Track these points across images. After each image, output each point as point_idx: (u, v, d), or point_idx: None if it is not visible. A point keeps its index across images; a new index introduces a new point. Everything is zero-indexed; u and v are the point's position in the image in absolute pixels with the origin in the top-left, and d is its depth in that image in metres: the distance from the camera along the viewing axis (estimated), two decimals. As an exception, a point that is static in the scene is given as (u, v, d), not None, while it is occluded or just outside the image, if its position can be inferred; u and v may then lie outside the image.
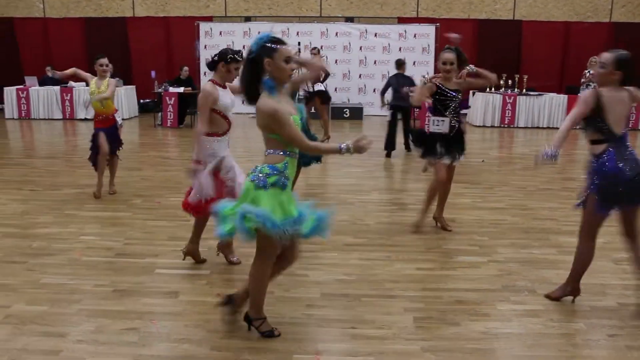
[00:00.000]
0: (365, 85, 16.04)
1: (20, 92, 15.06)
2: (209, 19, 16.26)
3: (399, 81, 9.93)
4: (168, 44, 16.40)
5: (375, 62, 15.96)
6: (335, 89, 15.95)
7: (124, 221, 6.00)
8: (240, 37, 15.43)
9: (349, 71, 16.03)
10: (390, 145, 9.97)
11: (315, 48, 11.90)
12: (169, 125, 13.40)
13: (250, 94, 3.31)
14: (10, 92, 15.11)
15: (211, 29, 15.79)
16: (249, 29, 15.63)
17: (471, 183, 7.78)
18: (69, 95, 14.80)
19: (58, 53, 16.51)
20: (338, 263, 4.82)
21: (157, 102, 14.20)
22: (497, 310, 4.01)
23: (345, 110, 15.38)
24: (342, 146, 3.20)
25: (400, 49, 15.61)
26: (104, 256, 4.98)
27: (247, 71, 3.30)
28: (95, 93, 6.80)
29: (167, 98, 13.43)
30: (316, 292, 4.26)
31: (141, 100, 15.93)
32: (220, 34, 15.70)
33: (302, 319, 3.85)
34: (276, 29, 15.39)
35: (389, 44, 15.82)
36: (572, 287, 4.11)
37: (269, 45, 3.19)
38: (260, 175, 3.24)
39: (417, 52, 15.79)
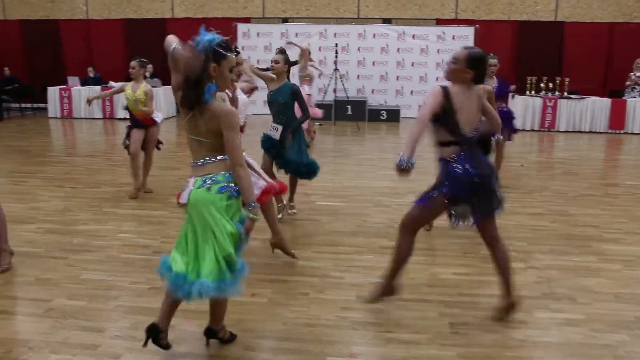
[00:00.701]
0: (402, 87, 15.92)
1: (62, 92, 15.42)
2: (247, 20, 16.38)
3: None
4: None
5: (412, 64, 15.83)
6: (373, 91, 15.90)
7: (160, 220, 6.07)
8: (278, 39, 15.49)
9: (386, 73, 15.94)
10: None
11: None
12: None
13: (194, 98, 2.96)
14: (53, 91, 15.48)
15: (249, 30, 15.90)
16: (287, 30, 15.69)
17: (510, 187, 7.64)
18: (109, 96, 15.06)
19: (99, 53, 16.86)
20: (374, 266, 4.77)
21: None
22: (536, 318, 3.92)
23: (382, 112, 15.30)
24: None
25: (438, 51, 15.46)
26: (141, 254, 5.06)
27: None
28: (131, 96, 6.90)
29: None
30: (351, 295, 4.23)
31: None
32: (258, 35, 15.80)
33: (336, 322, 3.83)
34: (313, 30, 15.46)
35: (427, 46, 15.68)
36: (387, 285, 3.94)
37: (220, 50, 2.93)
38: (226, 184, 3.03)
39: (457, 53, 15.61)
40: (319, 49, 15.02)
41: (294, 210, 6.26)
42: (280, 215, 5.82)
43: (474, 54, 3.59)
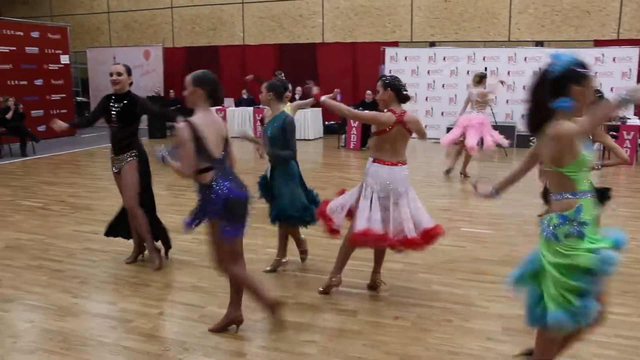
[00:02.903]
0: (554, 112, 15.14)
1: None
2: (395, 44, 16.53)
3: None
4: (354, 69, 16.94)
5: (567, 88, 15.01)
6: (522, 116, 15.28)
7: (305, 237, 6.24)
8: (425, 62, 15.47)
9: (495, 97, 15.28)
10: None
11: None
12: (351, 147, 13.79)
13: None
14: (211, 112, 16.63)
15: (397, 54, 16.03)
16: (434, 54, 15.61)
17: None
18: (261, 115, 15.87)
19: (253, 76, 17.86)
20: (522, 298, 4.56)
21: (342, 124, 14.70)
22: None
23: (532, 138, 14.64)
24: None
25: (596, 74, 14.52)
26: (287, 269, 5.24)
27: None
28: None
29: (351, 121, 13.86)
30: (497, 326, 4.08)
31: (326, 122, 16.60)
32: (406, 59, 15.87)
33: (480, 352, 3.71)
34: (461, 54, 15.24)
35: (583, 69, 14.81)
36: (234, 314, 3.95)
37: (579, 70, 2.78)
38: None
39: (616, 77, 14.57)
40: (467, 72, 14.77)
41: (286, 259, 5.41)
42: (268, 268, 5.28)
43: (197, 74, 3.75)
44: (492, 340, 3.86)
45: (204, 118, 3.63)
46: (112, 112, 5.17)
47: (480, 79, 9.69)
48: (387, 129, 4.32)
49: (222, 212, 3.62)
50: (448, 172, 10.02)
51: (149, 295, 4.71)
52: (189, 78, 3.75)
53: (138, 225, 5.37)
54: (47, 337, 3.95)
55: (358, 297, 4.59)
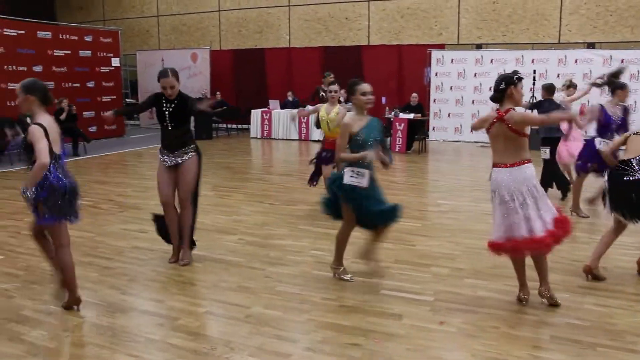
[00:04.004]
0: (606, 116, 14.73)
1: (264, 114, 16.69)
2: (441, 46, 16.36)
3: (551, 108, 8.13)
4: (399, 71, 16.84)
5: (619, 91, 14.58)
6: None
7: (351, 240, 6.21)
8: (472, 65, 15.26)
9: (587, 101, 14.89)
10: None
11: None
12: (397, 150, 13.71)
13: None
14: (256, 114, 16.86)
15: (443, 56, 15.85)
16: (481, 56, 15.38)
17: None
18: (306, 118, 15.95)
19: (298, 78, 17.94)
20: (570, 306, 4.45)
21: (387, 127, 14.64)
22: None
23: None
24: None
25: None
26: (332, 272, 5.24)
27: None
28: (324, 118, 7.23)
29: (397, 124, 13.78)
30: (545, 334, 4.00)
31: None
32: (452, 61, 15.68)
33: (528, 360, 3.64)
34: (509, 56, 14.97)
35: (637, 71, 14.38)
36: (72, 296, 4.35)
37: None
38: None
39: (674, 80, 14.12)
40: (515, 75, 14.54)
41: (348, 276, 5.06)
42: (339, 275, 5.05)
43: (27, 82, 4.15)
44: (540, 349, 3.78)
45: (47, 121, 4.10)
46: (166, 113, 5.28)
47: (570, 83, 9.31)
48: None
49: (44, 197, 4.07)
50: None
51: (195, 294, 4.78)
52: (19, 86, 4.16)
53: (186, 218, 5.46)
54: (97, 332, 4.06)
55: (403, 301, 4.55)
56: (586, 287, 4.85)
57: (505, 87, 4.27)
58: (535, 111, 8.35)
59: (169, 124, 5.31)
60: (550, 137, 8.18)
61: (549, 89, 8.60)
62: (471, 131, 5.73)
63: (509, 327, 4.08)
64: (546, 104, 8.43)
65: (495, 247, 4.36)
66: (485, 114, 4.68)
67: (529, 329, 4.08)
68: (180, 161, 5.37)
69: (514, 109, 4.26)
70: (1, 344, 3.86)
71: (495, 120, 4.29)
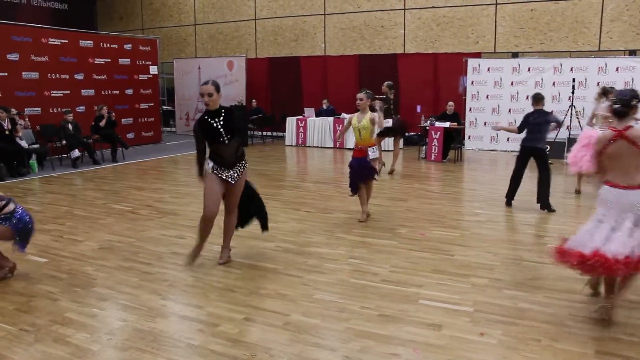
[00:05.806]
0: (648, 125, 14.38)
1: (299, 122, 16.76)
2: (478, 55, 16.21)
3: (540, 118, 8.14)
4: (435, 80, 16.74)
5: (661, 100, 14.23)
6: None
7: (389, 249, 6.22)
8: (509, 73, 15.08)
9: None
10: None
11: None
12: (432, 159, 13.61)
13: None
14: (291, 121, 16.95)
15: (479, 64, 15.71)
16: (519, 64, 15.19)
17: None
18: (340, 126, 15.97)
19: (333, 86, 17.99)
20: (617, 320, 4.35)
21: (422, 135, 14.56)
22: None
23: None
24: None
25: (696, 86, 13.74)
26: (370, 280, 5.22)
27: None
28: (356, 126, 7.28)
29: (432, 132, 13.70)
30: (589, 348, 3.90)
31: (406, 134, 16.46)
32: (489, 70, 15.52)
33: (572, 375, 3.57)
34: (547, 65, 14.77)
35: (682, 79, 14.02)
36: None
37: None
38: None
39: None
40: (553, 84, 14.36)
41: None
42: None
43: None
44: (585, 363, 3.70)
45: None
46: (219, 128, 5.39)
47: (607, 92, 9.06)
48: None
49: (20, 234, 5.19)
50: (577, 192, 9.50)
51: (234, 300, 4.82)
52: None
53: (233, 222, 5.82)
54: (139, 336, 4.12)
55: (442, 311, 4.51)
56: (634, 302, 4.73)
57: (635, 104, 4.18)
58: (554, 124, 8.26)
59: (225, 138, 5.42)
60: None
61: (537, 97, 8.39)
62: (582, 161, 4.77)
63: (552, 340, 4.00)
64: (535, 114, 8.23)
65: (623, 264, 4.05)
66: (587, 134, 4.57)
67: (573, 343, 3.98)
68: (238, 176, 5.56)
69: (632, 126, 4.13)
70: (47, 345, 3.95)
71: (614, 138, 4.15)
